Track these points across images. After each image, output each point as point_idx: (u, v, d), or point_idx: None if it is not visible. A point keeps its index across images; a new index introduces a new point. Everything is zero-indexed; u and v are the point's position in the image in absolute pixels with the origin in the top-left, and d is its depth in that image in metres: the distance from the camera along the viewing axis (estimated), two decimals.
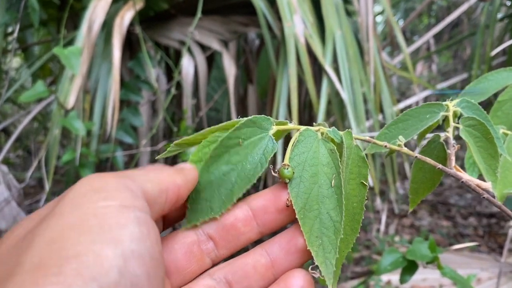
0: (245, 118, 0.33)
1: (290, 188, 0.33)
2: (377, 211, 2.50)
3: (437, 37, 3.41)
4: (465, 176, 0.36)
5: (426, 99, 2.57)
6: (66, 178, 1.28)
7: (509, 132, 0.48)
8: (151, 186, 0.28)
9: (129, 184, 0.26)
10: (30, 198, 2.08)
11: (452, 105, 0.39)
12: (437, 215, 2.66)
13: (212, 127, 0.34)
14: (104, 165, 1.27)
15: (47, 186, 1.04)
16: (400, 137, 0.36)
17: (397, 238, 2.47)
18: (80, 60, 1.00)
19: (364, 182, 0.33)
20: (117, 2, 1.47)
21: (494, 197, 0.38)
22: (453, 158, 0.36)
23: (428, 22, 3.93)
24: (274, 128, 0.34)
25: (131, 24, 1.31)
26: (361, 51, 1.41)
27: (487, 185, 0.36)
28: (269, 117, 0.34)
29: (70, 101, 1.10)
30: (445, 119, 0.40)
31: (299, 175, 0.33)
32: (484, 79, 0.52)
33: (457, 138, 0.41)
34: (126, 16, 1.23)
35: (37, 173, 1.78)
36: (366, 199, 0.33)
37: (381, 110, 1.43)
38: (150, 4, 1.70)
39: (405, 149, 0.35)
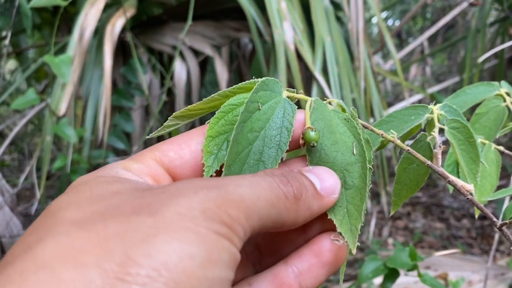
0: (259, 79, 0.31)
1: (311, 156, 0.31)
2: (371, 213, 2.52)
3: (432, 39, 3.42)
4: (451, 176, 0.37)
5: (419, 103, 2.59)
6: (59, 184, 1.29)
7: (486, 142, 0.49)
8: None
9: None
10: (25, 201, 2.09)
11: (436, 109, 0.40)
12: (431, 217, 2.67)
13: (215, 94, 0.31)
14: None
15: (38, 193, 1.05)
16: (392, 130, 0.37)
17: (391, 240, 2.49)
18: (71, 68, 1.01)
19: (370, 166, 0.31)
20: (110, 8, 1.48)
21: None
22: (439, 157, 0.37)
23: (423, 25, 3.95)
24: (285, 93, 0.32)
25: (123, 30, 1.33)
26: (352, 57, 1.42)
27: (470, 187, 0.37)
28: (277, 80, 0.32)
29: (62, 108, 1.11)
30: (428, 122, 0.41)
31: (320, 142, 0.31)
32: (462, 93, 0.53)
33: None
34: (118, 23, 1.24)
35: (31, 176, 1.78)
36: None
37: (372, 114, 1.45)
38: (143, 9, 1.71)
39: (398, 141, 0.35)
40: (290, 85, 1.36)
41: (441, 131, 0.40)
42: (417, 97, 1.93)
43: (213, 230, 0.22)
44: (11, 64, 2.75)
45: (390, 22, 4.31)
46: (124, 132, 1.33)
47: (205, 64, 1.87)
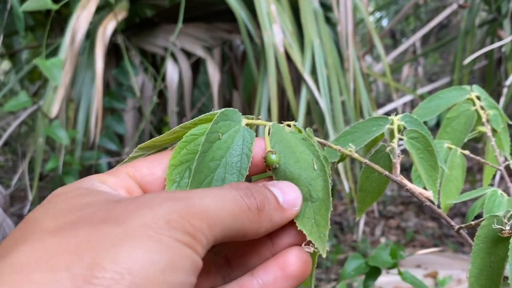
0: (218, 111, 0.33)
1: (277, 176, 0.33)
2: (366, 213, 2.54)
3: (425, 39, 3.45)
4: (409, 184, 0.38)
5: (411, 103, 2.61)
6: (51, 185, 1.30)
7: (453, 146, 0.51)
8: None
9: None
10: (19, 202, 2.10)
11: (397, 119, 0.42)
12: (423, 216, 2.70)
13: (177, 127, 0.33)
14: (88, 172, 1.29)
15: (31, 195, 1.06)
16: (351, 144, 0.39)
17: (383, 240, 2.51)
18: (62, 71, 1.03)
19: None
20: (102, 10, 1.50)
21: (437, 205, 0.41)
22: (398, 166, 0.39)
23: (415, 25, 3.97)
24: (244, 121, 0.34)
25: (115, 32, 1.34)
26: (342, 58, 1.44)
27: (429, 193, 0.39)
28: (235, 109, 0.34)
29: (54, 110, 1.13)
30: (390, 132, 0.42)
31: (283, 161, 0.33)
32: (436, 97, 0.55)
33: (404, 151, 0.44)
34: (109, 26, 1.26)
35: (24, 177, 1.79)
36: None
37: (362, 115, 1.47)
38: (136, 11, 1.72)
39: (355, 155, 0.37)
40: (280, 87, 1.38)
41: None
42: (408, 97, 1.95)
43: (175, 238, 0.23)
44: (5, 65, 2.75)
45: (384, 22, 4.34)
46: (116, 134, 1.35)
47: (198, 65, 1.88)
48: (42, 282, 0.21)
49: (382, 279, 1.85)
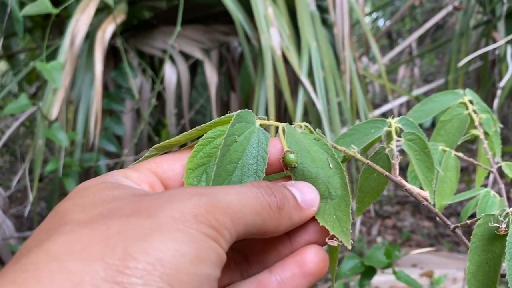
0: (234, 113, 0.34)
1: (295, 175, 0.33)
2: (363, 213, 2.55)
3: (420, 39, 3.47)
4: (408, 184, 0.40)
5: (407, 104, 2.63)
6: (51, 186, 1.32)
7: (447, 149, 0.53)
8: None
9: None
10: (18, 203, 2.11)
11: (394, 122, 0.43)
12: (419, 216, 2.72)
13: (198, 127, 0.34)
14: (88, 174, 1.31)
15: (31, 196, 1.08)
16: (353, 145, 0.40)
17: (379, 239, 2.53)
18: (62, 74, 1.04)
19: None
20: (100, 12, 1.51)
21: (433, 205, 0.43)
22: (397, 167, 0.41)
23: (411, 26, 3.99)
24: (258, 122, 0.35)
25: (114, 35, 1.35)
26: (338, 60, 1.46)
27: (426, 194, 0.40)
28: (250, 110, 0.35)
29: (54, 113, 1.14)
30: (388, 134, 0.44)
31: (300, 161, 0.33)
32: (430, 101, 0.57)
33: (400, 152, 0.45)
34: (108, 29, 1.27)
35: (24, 179, 1.80)
36: None
37: (358, 116, 1.48)
38: (134, 13, 1.73)
39: (359, 156, 0.38)
40: (278, 88, 1.40)
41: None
42: (404, 98, 1.97)
43: (202, 232, 0.24)
44: (2, 65, 2.75)
45: (381, 22, 4.36)
46: (115, 135, 1.36)
47: (195, 67, 1.90)
48: (78, 271, 0.22)
49: (379, 278, 1.87)
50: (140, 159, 0.34)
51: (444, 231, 2.52)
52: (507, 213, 0.35)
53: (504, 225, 0.35)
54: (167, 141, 0.34)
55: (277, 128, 0.36)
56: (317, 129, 0.36)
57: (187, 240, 0.24)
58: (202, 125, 0.34)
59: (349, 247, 0.32)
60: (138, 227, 0.24)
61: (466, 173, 2.89)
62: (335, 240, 0.33)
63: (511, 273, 0.33)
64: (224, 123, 0.34)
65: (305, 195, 0.32)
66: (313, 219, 0.33)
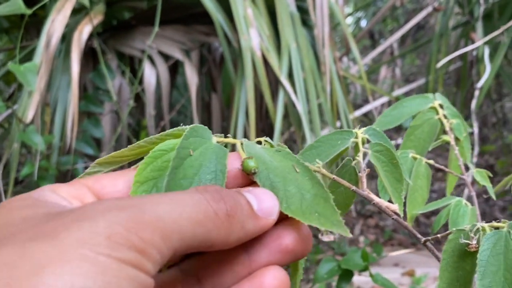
0: (187, 127, 0.31)
1: (261, 182, 0.31)
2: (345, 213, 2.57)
3: (402, 40, 3.50)
4: (376, 198, 0.40)
5: (388, 104, 2.65)
6: (27, 190, 1.29)
7: (418, 156, 0.53)
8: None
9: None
10: None
11: (361, 132, 0.43)
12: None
13: (142, 141, 0.31)
14: (65, 177, 1.28)
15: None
16: (318, 160, 0.39)
17: (362, 238, 2.55)
18: (37, 76, 1.02)
19: None
20: (78, 13, 1.48)
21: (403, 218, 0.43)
22: (364, 180, 0.40)
23: (392, 27, 4.03)
24: (214, 139, 0.33)
25: (91, 36, 1.33)
26: (318, 62, 1.46)
27: (395, 207, 0.40)
28: (205, 127, 0.33)
29: (29, 115, 1.12)
30: (355, 145, 0.43)
31: (264, 167, 0.32)
32: (399, 105, 0.57)
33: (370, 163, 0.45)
34: (85, 30, 1.25)
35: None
36: None
37: (339, 118, 1.49)
38: (113, 14, 1.71)
39: (323, 171, 0.37)
40: (258, 89, 1.39)
41: None
42: (384, 99, 1.98)
43: (116, 258, 0.20)
44: None
45: (363, 23, 4.39)
46: (93, 138, 1.34)
47: (176, 68, 1.88)
48: None
49: (360, 278, 1.87)
50: (79, 176, 0.31)
51: (426, 230, 2.55)
52: (478, 229, 0.34)
53: (474, 242, 0.34)
54: (111, 155, 0.31)
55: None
56: (277, 143, 0.35)
57: (92, 271, 0.19)
58: (152, 136, 0.31)
59: (349, 235, 0.30)
60: (32, 255, 0.19)
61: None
62: (330, 234, 0.31)
63: None
64: (176, 136, 0.32)
65: (262, 202, 0.29)
66: (274, 236, 0.30)
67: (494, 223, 0.34)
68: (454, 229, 0.37)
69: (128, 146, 0.32)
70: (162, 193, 0.26)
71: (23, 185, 1.46)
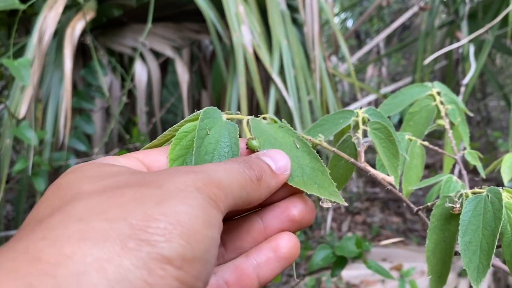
0: (201, 111, 0.37)
1: None
2: (333, 209, 2.60)
3: (388, 39, 3.55)
4: (372, 170, 0.42)
5: (375, 102, 2.69)
6: (19, 187, 1.29)
7: (414, 138, 0.56)
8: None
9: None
10: None
11: (361, 112, 0.45)
12: (388, 212, 2.78)
13: (171, 128, 0.37)
14: (57, 173, 1.28)
15: None
16: (320, 134, 0.42)
17: (350, 234, 2.58)
18: (31, 71, 1.02)
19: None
20: (69, 9, 1.48)
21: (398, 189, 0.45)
22: (362, 154, 0.42)
23: (379, 26, 4.08)
24: (224, 116, 0.38)
25: (83, 33, 1.33)
26: (308, 59, 1.48)
27: (391, 179, 0.43)
28: (215, 107, 0.38)
29: (22, 111, 1.12)
30: (356, 124, 0.46)
31: (269, 147, 0.36)
32: (400, 94, 0.60)
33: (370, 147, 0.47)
34: (77, 26, 1.25)
35: None
36: None
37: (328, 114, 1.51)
38: (103, 11, 1.71)
39: (324, 144, 0.40)
40: (250, 86, 1.41)
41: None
42: (372, 97, 2.01)
43: (204, 200, 0.27)
44: None
45: (349, 22, 4.43)
46: (85, 134, 1.34)
47: (166, 65, 1.89)
48: (104, 229, 0.23)
49: (350, 273, 1.90)
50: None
51: (412, 226, 2.59)
52: (461, 194, 0.38)
53: (458, 205, 0.38)
54: (151, 143, 0.38)
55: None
56: (282, 119, 0.39)
57: (197, 205, 0.26)
58: (175, 125, 0.37)
59: (345, 204, 0.35)
60: (151, 195, 0.26)
61: (433, 170, 2.98)
62: (328, 202, 0.36)
63: (464, 248, 0.36)
64: (193, 121, 0.37)
65: (277, 162, 0.34)
66: (284, 207, 0.35)
67: (476, 189, 0.38)
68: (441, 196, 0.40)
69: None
70: (216, 163, 0.32)
71: (15, 181, 1.45)
